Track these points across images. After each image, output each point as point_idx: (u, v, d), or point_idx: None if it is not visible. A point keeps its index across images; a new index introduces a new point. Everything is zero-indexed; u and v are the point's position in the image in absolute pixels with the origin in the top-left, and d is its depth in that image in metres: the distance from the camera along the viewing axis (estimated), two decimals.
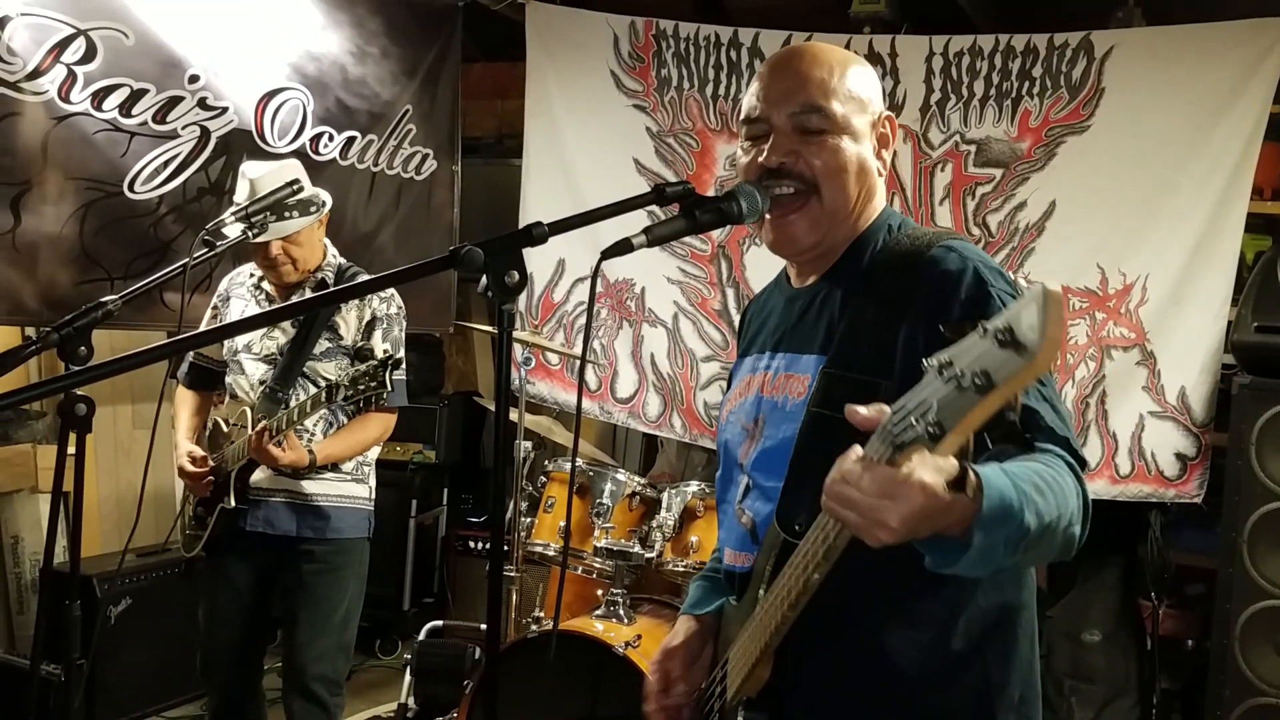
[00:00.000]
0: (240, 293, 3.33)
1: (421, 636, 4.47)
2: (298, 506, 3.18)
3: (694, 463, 5.10)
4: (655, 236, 1.57)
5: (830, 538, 1.30)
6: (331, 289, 3.15)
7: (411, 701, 4.27)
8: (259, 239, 3.04)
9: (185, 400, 3.44)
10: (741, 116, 1.70)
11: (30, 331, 4.27)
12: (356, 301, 3.20)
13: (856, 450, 1.22)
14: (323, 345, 3.20)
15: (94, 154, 3.77)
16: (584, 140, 5.01)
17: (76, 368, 2.04)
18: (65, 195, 3.72)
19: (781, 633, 1.45)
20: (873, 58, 4.50)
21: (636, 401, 4.97)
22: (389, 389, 2.92)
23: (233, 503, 3.13)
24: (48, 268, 3.71)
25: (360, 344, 3.21)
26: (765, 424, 1.65)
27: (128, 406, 4.67)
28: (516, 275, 1.47)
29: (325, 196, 3.26)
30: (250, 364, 3.24)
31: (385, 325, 3.23)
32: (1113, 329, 4.14)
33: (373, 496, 3.34)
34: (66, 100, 3.66)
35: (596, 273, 1.57)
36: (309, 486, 3.18)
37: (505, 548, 4.23)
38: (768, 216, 1.64)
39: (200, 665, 3.32)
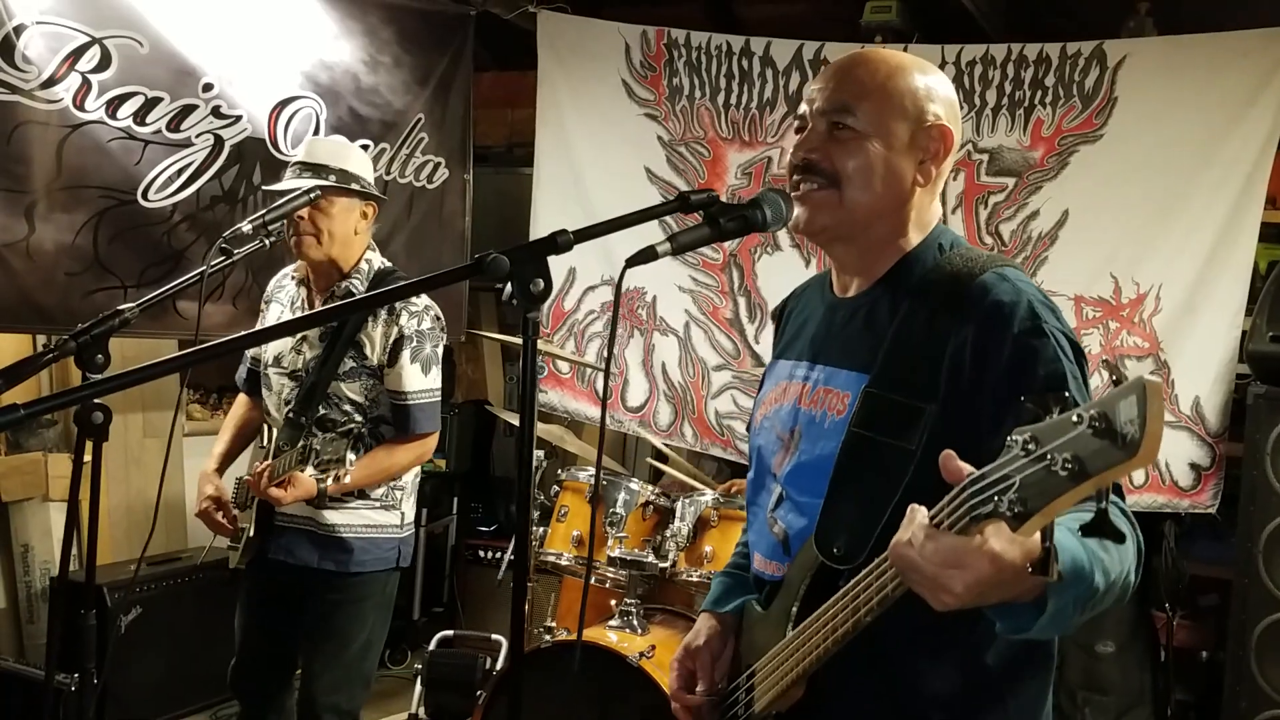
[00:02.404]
0: (280, 297, 3.21)
1: (432, 646, 4.47)
2: (319, 538, 3.03)
3: (705, 472, 5.09)
4: (680, 244, 1.57)
5: (888, 588, 1.31)
6: (354, 298, 2.96)
7: (422, 711, 4.27)
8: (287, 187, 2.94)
9: (236, 412, 3.32)
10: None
11: (41, 340, 4.27)
12: (385, 317, 3.01)
13: (922, 515, 1.22)
14: (347, 364, 3.01)
15: (108, 162, 3.76)
16: (595, 149, 5.01)
17: (94, 375, 2.05)
18: (79, 204, 3.72)
19: (822, 661, 1.46)
20: None
21: (647, 410, 4.96)
22: (347, 465, 2.78)
23: (252, 532, 3.06)
24: (61, 276, 3.71)
25: (385, 364, 3.02)
26: (801, 437, 1.64)
27: (139, 415, 4.66)
28: (541, 283, 1.47)
29: (376, 192, 3.14)
30: (277, 379, 3.11)
31: (415, 344, 3.02)
32: (1126, 338, 4.13)
33: (406, 522, 3.16)
34: (81, 108, 3.66)
35: (621, 281, 1.56)
36: (332, 516, 3.02)
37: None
38: (795, 194, 1.63)
39: (230, 678, 3.25)
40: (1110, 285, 4.14)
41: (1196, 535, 4.32)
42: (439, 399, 3.11)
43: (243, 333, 1.61)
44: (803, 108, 1.66)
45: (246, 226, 2.70)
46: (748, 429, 1.92)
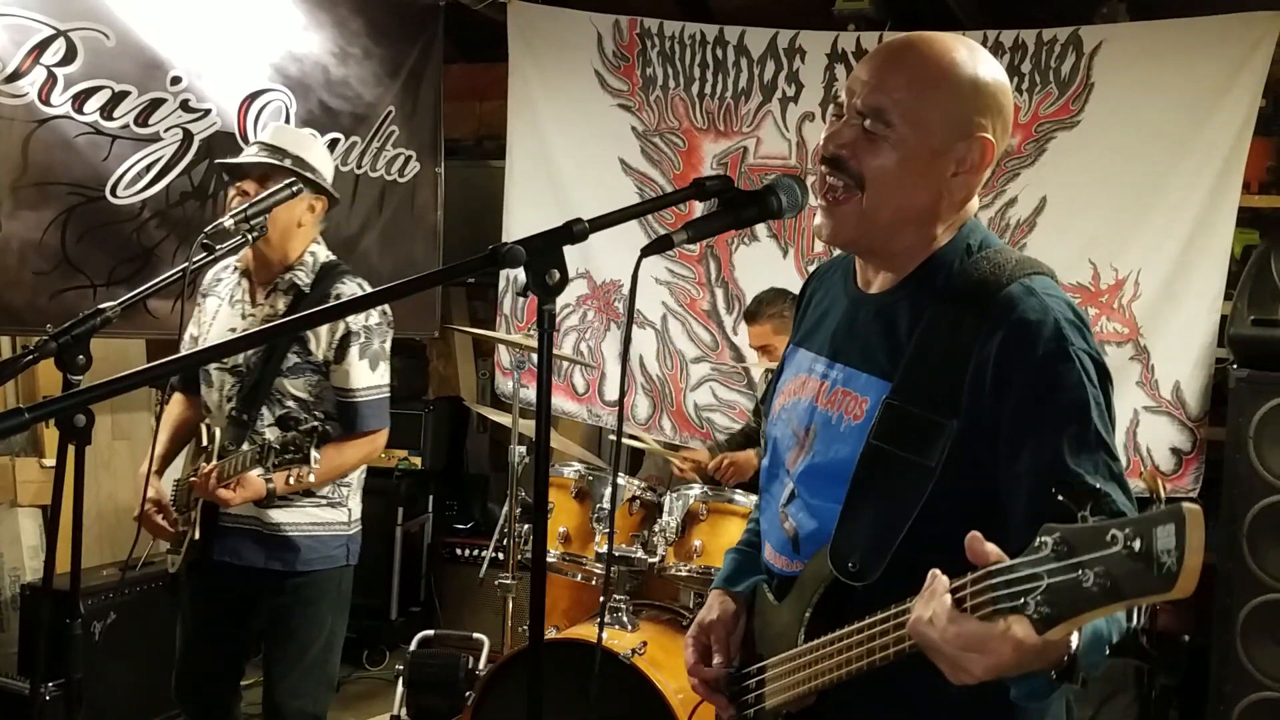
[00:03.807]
0: (219, 290, 3.10)
1: (413, 647, 4.41)
2: (265, 537, 2.94)
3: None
4: (696, 232, 1.53)
5: (905, 644, 1.31)
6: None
7: (404, 713, 4.20)
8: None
9: (171, 411, 3.21)
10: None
11: (6, 341, 4.17)
12: None
13: (942, 587, 1.21)
14: (291, 360, 2.92)
15: (75, 158, 3.66)
16: (568, 141, 4.97)
17: (75, 377, 1.98)
18: (46, 201, 3.62)
19: (834, 684, 1.46)
20: (861, 55, 4.48)
21: (625, 404, 4.92)
22: (312, 464, 2.71)
23: (197, 534, 2.95)
24: (28, 275, 3.60)
25: (332, 361, 2.92)
26: (816, 438, 1.60)
27: (107, 417, 4.56)
28: (557, 274, 1.42)
29: (329, 186, 3.06)
30: (218, 375, 3.00)
31: (363, 339, 2.93)
32: (1105, 324, 4.15)
33: (354, 519, 3.07)
34: (47, 103, 3.56)
35: (637, 271, 1.50)
36: (277, 516, 2.93)
37: (501, 556, 4.17)
38: (819, 200, 1.58)
39: (174, 690, 3.13)
40: (1089, 271, 4.15)
41: None
42: (388, 395, 3.03)
43: (236, 336, 1.56)
44: (843, 95, 1.58)
45: (228, 221, 2.61)
46: (763, 414, 1.88)
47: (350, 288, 2.96)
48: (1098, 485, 1.16)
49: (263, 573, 2.95)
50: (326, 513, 3.01)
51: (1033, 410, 1.41)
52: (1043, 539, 1.11)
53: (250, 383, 2.91)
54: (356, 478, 3.09)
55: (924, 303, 1.53)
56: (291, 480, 2.84)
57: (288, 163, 2.93)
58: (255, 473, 2.80)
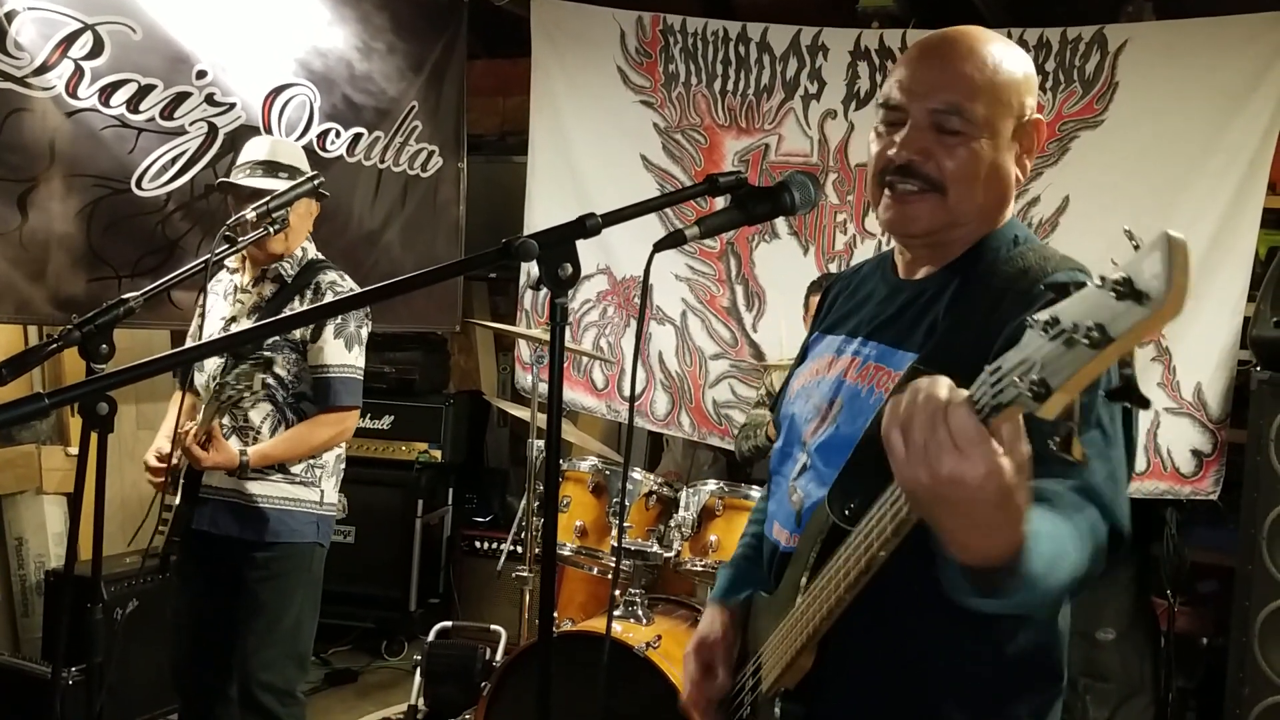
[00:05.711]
0: (214, 287, 3.24)
1: (431, 637, 4.44)
2: (241, 508, 3.09)
3: (700, 461, 5.07)
4: (708, 228, 1.54)
5: (902, 512, 1.23)
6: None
7: (421, 703, 4.23)
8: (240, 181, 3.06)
9: (175, 402, 3.34)
10: (880, 99, 1.61)
11: (33, 330, 4.22)
12: (310, 296, 3.09)
13: (950, 385, 1.12)
14: (272, 339, 3.08)
15: (102, 150, 3.71)
16: (590, 136, 4.98)
17: (98, 365, 2.01)
18: (72, 192, 3.66)
19: (834, 617, 1.40)
20: (884, 53, 4.49)
21: (644, 400, 4.94)
22: (255, 391, 2.93)
23: (176, 499, 3.08)
24: (55, 266, 3.65)
25: (309, 340, 3.08)
26: (843, 409, 1.60)
27: (132, 407, 4.61)
28: (570, 268, 1.44)
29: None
30: (211, 359, 3.15)
31: (339, 320, 3.09)
32: None
33: (326, 501, 3.20)
34: (74, 96, 3.60)
35: (649, 266, 1.52)
36: (253, 488, 3.08)
37: (519, 548, 4.20)
38: (886, 195, 1.57)
39: (171, 673, 3.26)
40: None
41: (1195, 522, 4.32)
42: (361, 377, 3.18)
43: (249, 326, 1.58)
44: (897, 96, 1.56)
45: (251, 214, 2.66)
46: (776, 401, 1.88)
47: (331, 276, 3.14)
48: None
49: (236, 543, 3.09)
50: (299, 490, 3.16)
51: None
52: (1032, 319, 1.02)
53: (236, 358, 3.06)
54: (332, 462, 3.23)
55: (966, 284, 1.55)
56: (263, 442, 3.05)
57: (283, 175, 3.08)
58: (261, 440, 3.03)
